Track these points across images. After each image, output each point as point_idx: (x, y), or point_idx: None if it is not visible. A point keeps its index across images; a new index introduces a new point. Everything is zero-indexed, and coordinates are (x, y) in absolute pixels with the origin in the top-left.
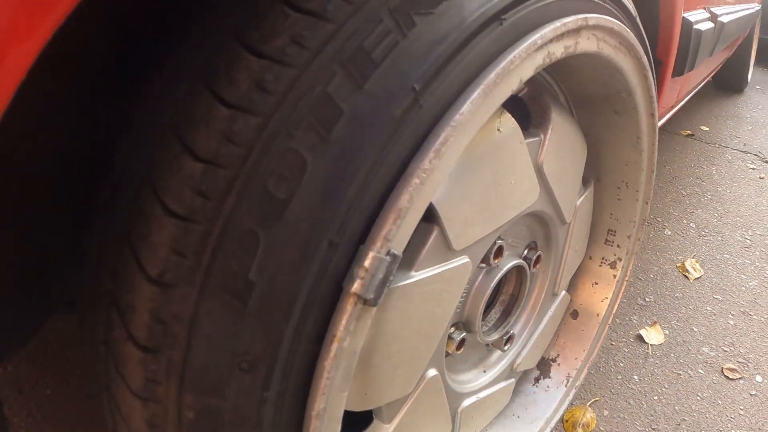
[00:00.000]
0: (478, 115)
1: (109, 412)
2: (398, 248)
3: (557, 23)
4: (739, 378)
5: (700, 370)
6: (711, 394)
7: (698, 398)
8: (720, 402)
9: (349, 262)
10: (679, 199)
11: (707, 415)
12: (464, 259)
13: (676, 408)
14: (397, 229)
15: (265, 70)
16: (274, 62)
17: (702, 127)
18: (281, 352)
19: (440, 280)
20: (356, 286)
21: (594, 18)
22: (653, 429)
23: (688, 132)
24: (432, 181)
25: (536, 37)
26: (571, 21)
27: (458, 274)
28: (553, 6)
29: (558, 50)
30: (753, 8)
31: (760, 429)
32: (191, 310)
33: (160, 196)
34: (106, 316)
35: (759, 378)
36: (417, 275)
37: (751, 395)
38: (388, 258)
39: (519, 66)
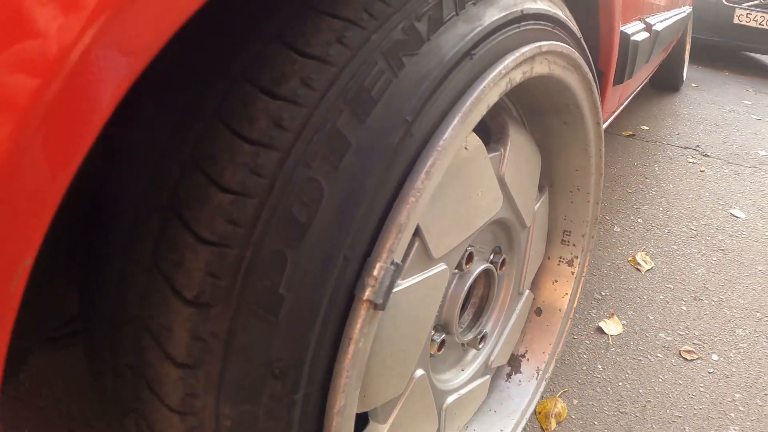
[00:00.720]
0: (457, 139)
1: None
2: (399, 258)
3: (516, 53)
4: (697, 358)
5: (659, 355)
6: (672, 375)
7: (660, 380)
8: (681, 382)
9: (358, 273)
10: (625, 197)
11: (670, 395)
12: (442, 266)
13: (641, 391)
14: (398, 242)
15: (281, 110)
16: (289, 102)
17: (642, 127)
18: (307, 357)
19: (424, 286)
20: (368, 293)
21: (546, 45)
22: (621, 412)
23: (630, 132)
24: (424, 199)
25: (501, 68)
26: (527, 50)
27: (438, 280)
28: (512, 38)
29: (517, 76)
30: (685, 11)
31: (720, 403)
32: (227, 327)
33: (190, 225)
34: (136, 341)
35: (715, 357)
36: (404, 283)
37: (709, 373)
38: (392, 267)
39: (488, 94)
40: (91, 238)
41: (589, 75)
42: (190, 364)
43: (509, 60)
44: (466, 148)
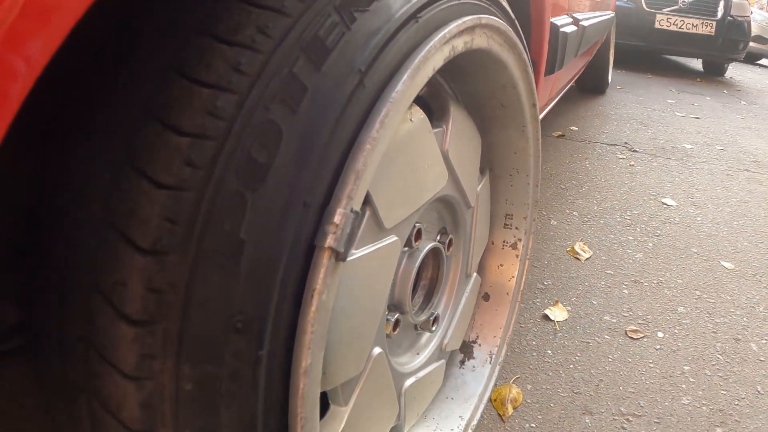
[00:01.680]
0: (407, 94)
1: (87, 419)
2: (358, 206)
3: (458, 21)
4: (643, 336)
5: (606, 336)
6: (621, 354)
7: (610, 360)
8: (630, 360)
9: (317, 223)
10: (559, 193)
11: (621, 373)
12: (393, 238)
13: (592, 372)
14: (356, 189)
15: (238, 55)
16: (246, 48)
17: (571, 128)
18: (270, 309)
19: (377, 257)
20: (329, 240)
21: (486, 18)
22: (576, 393)
23: (560, 133)
24: (378, 149)
25: (445, 32)
26: (469, 20)
27: (390, 251)
28: (454, 8)
29: (459, 45)
30: (608, 15)
31: (671, 376)
32: (186, 276)
33: (145, 171)
34: (86, 307)
35: (660, 334)
36: (357, 253)
37: (657, 349)
38: (352, 214)
39: (434, 55)
40: (31, 215)
41: (524, 55)
42: (146, 320)
43: (452, 26)
44: (411, 120)
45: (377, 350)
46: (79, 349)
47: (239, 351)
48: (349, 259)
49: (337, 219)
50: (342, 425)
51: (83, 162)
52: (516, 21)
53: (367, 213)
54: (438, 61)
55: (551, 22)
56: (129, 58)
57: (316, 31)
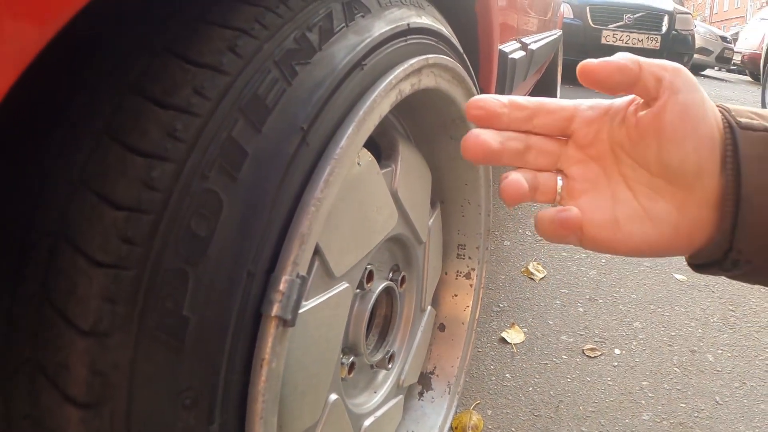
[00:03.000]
0: (352, 147)
1: None
2: (303, 271)
3: (405, 65)
4: (600, 354)
5: (563, 356)
6: (579, 373)
7: (569, 380)
8: (589, 378)
9: (263, 290)
10: (511, 213)
11: (581, 392)
12: (345, 285)
13: (551, 393)
14: (302, 253)
15: (174, 120)
16: (181, 112)
17: None
18: (219, 383)
19: (328, 306)
20: (276, 309)
21: (432, 57)
22: (536, 416)
23: None
24: (324, 209)
25: (391, 78)
26: (415, 62)
27: (342, 298)
28: (400, 50)
29: (406, 88)
30: (555, 34)
31: (630, 392)
32: (129, 356)
33: (81, 248)
34: (29, 386)
35: (617, 351)
36: (308, 304)
37: (614, 366)
38: (298, 280)
39: (380, 104)
40: None
41: (474, 89)
42: (91, 402)
43: (399, 70)
44: (358, 164)
45: (333, 396)
46: (26, 427)
47: (189, 427)
48: (299, 311)
49: (282, 287)
50: None
51: (18, 232)
52: (464, 55)
53: (316, 263)
54: (384, 108)
55: (500, 50)
56: (62, 120)
57: (255, 89)
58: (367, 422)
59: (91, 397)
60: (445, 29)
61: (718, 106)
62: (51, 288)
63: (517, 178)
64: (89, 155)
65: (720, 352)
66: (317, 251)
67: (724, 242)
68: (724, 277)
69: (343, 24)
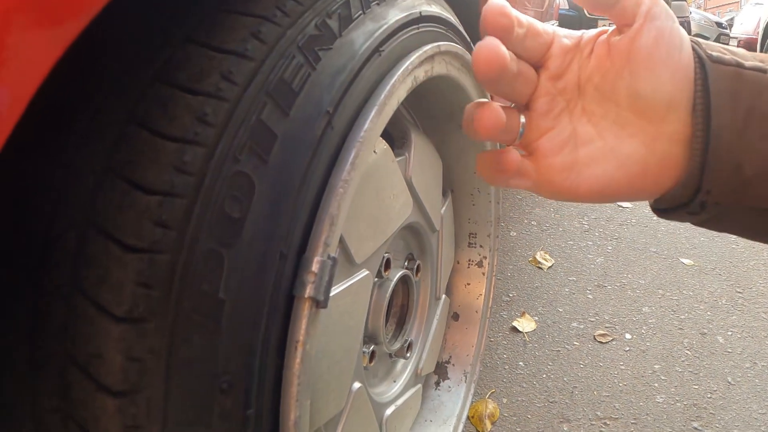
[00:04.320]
0: (375, 131)
1: None
2: (333, 252)
3: (419, 51)
4: (611, 340)
5: (575, 343)
6: (591, 359)
7: (581, 366)
8: (601, 364)
9: (294, 272)
10: (516, 203)
11: (594, 378)
12: (365, 272)
13: (565, 379)
14: (332, 234)
15: (203, 105)
16: (210, 97)
17: None
18: (255, 366)
19: (350, 293)
20: (309, 290)
21: (444, 45)
22: (551, 402)
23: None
24: (350, 191)
25: (407, 64)
26: (429, 48)
27: (363, 286)
28: (413, 38)
29: (421, 74)
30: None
31: (642, 376)
32: (167, 341)
33: (113, 234)
34: (58, 379)
35: (628, 335)
36: (331, 291)
37: (626, 351)
38: (330, 261)
39: (398, 89)
40: None
41: None
42: (128, 390)
43: (414, 57)
44: (374, 152)
45: (357, 385)
46: (56, 421)
47: (226, 412)
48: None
49: (314, 267)
50: None
51: (45, 224)
52: (471, 44)
53: (338, 249)
54: (402, 93)
55: None
56: (86, 111)
57: (281, 73)
58: (389, 411)
59: (127, 385)
60: (452, 18)
61: (690, 40)
62: (81, 277)
63: (496, 108)
64: (115, 143)
65: (730, 333)
66: (339, 239)
67: (692, 181)
68: (730, 261)
69: (360, 11)
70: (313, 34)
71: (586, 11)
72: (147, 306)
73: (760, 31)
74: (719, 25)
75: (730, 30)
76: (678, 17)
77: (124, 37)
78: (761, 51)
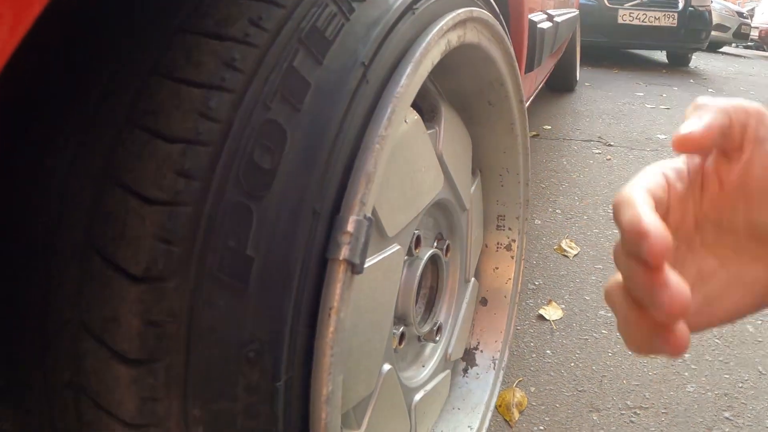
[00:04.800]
0: (411, 88)
1: None
2: (369, 212)
3: (453, 14)
4: None
5: (603, 331)
6: (620, 348)
7: (610, 354)
8: (630, 353)
9: (327, 233)
10: (540, 192)
11: (623, 367)
12: (396, 246)
13: (594, 368)
14: (368, 193)
15: (231, 51)
16: (238, 43)
17: (545, 127)
18: (285, 334)
19: (381, 268)
20: (344, 252)
21: (476, 11)
22: (580, 391)
23: (534, 133)
24: (387, 148)
25: (441, 24)
26: (462, 12)
27: (394, 261)
28: (446, 1)
29: (453, 39)
30: (574, 13)
31: (672, 365)
32: (188, 303)
33: (131, 186)
34: (71, 350)
35: None
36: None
37: None
38: (366, 221)
39: (432, 49)
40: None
41: (511, 50)
42: (144, 358)
43: (447, 18)
44: (405, 121)
45: (387, 367)
46: (68, 396)
47: (253, 384)
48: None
49: (350, 227)
50: None
51: (58, 181)
52: (501, 16)
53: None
54: (435, 56)
55: (529, 19)
56: (107, 61)
57: (313, 21)
58: (418, 397)
59: (144, 353)
60: None
61: None
62: (97, 234)
63: (682, 287)
64: (137, 94)
65: (759, 322)
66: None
67: None
68: None
69: None
70: None
71: (605, 0)
72: (167, 264)
73: None
74: (740, 15)
75: (752, 20)
76: (699, 6)
77: None
78: None
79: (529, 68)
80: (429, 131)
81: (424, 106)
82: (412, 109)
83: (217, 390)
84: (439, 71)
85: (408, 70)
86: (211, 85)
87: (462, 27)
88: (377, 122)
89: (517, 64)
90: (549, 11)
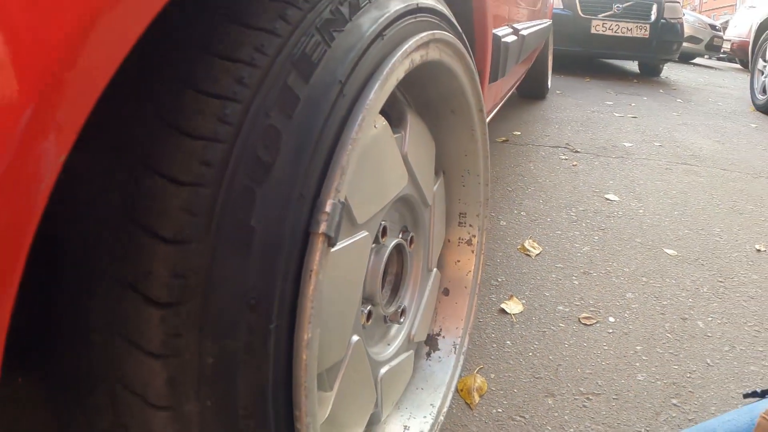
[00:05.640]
0: (378, 100)
1: (109, 407)
2: (343, 198)
3: (416, 37)
4: (595, 322)
5: (560, 324)
6: (576, 340)
7: (566, 345)
8: (585, 344)
9: (310, 213)
10: (506, 195)
11: (578, 357)
12: (365, 233)
13: (550, 357)
14: (342, 182)
15: (240, 70)
16: (246, 64)
17: (515, 133)
18: (277, 288)
19: (352, 250)
20: (323, 227)
21: (438, 33)
22: (537, 378)
23: (504, 138)
24: (357, 148)
25: (405, 47)
26: (425, 35)
27: (362, 246)
28: (411, 26)
29: (417, 58)
30: (546, 23)
31: (624, 356)
32: (206, 261)
33: (163, 171)
34: (109, 297)
35: (611, 319)
36: (337, 246)
37: (609, 333)
38: (339, 204)
39: (397, 68)
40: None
41: (472, 64)
42: (172, 302)
43: (411, 42)
44: (375, 126)
45: (355, 338)
46: (100, 338)
47: (253, 325)
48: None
49: (328, 209)
50: (328, 410)
51: (105, 168)
52: (462, 34)
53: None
54: (400, 73)
55: (493, 33)
56: (143, 72)
57: (303, 48)
58: (383, 370)
59: (172, 298)
60: (446, 10)
61: None
62: (137, 208)
63: None
64: (165, 100)
65: (710, 319)
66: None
67: None
68: (713, 252)
69: (367, 0)
70: (329, 18)
71: (579, 10)
72: (191, 230)
73: (753, 33)
74: (713, 27)
75: (724, 32)
76: (671, 19)
77: (175, 16)
78: (752, 55)
79: (494, 78)
80: (396, 135)
81: (393, 114)
82: (381, 116)
83: (225, 328)
84: (407, 83)
85: (376, 86)
86: (226, 97)
87: (425, 48)
88: (350, 127)
89: (477, 77)
90: (516, 25)
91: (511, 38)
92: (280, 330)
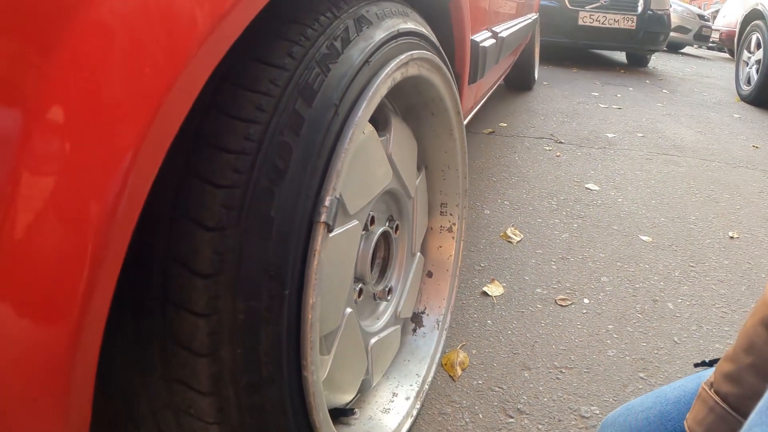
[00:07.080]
0: (365, 117)
1: (158, 361)
2: (338, 195)
3: (397, 60)
4: (571, 304)
5: (538, 305)
6: (552, 319)
7: (543, 325)
8: (561, 323)
9: (313, 207)
10: (491, 185)
11: (553, 335)
12: (355, 222)
13: (528, 335)
14: (338, 182)
15: (260, 99)
16: (263, 94)
17: (501, 124)
18: (290, 263)
19: (346, 236)
20: (324, 217)
21: (417, 53)
22: (515, 353)
23: (490, 130)
24: (349, 156)
25: (388, 70)
26: (404, 57)
27: (354, 233)
28: (393, 49)
29: (398, 76)
30: (531, 18)
31: (597, 334)
32: (238, 242)
33: (206, 177)
34: (162, 273)
35: (586, 300)
36: (334, 232)
37: (584, 313)
38: (336, 200)
39: (380, 88)
40: None
41: (448, 74)
42: (212, 273)
43: (392, 64)
44: (363, 133)
45: (349, 310)
46: (155, 305)
47: (272, 291)
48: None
49: (327, 203)
50: (327, 370)
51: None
52: (441, 49)
53: (337, 201)
54: (383, 91)
55: (471, 39)
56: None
57: (306, 79)
58: (373, 340)
59: (212, 270)
60: (425, 30)
61: None
62: (187, 205)
63: None
64: (204, 122)
65: (680, 301)
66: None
67: None
68: (686, 239)
69: (356, 34)
70: (325, 53)
71: (566, 2)
72: (227, 220)
73: (739, 23)
74: (702, 17)
75: (713, 22)
76: (658, 10)
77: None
78: (738, 44)
79: (473, 81)
80: (381, 138)
81: (380, 118)
82: (368, 123)
83: (251, 293)
84: (392, 92)
85: (364, 105)
86: (250, 120)
87: (405, 66)
88: (343, 140)
89: (454, 85)
90: (495, 27)
91: (490, 42)
92: (291, 295)
